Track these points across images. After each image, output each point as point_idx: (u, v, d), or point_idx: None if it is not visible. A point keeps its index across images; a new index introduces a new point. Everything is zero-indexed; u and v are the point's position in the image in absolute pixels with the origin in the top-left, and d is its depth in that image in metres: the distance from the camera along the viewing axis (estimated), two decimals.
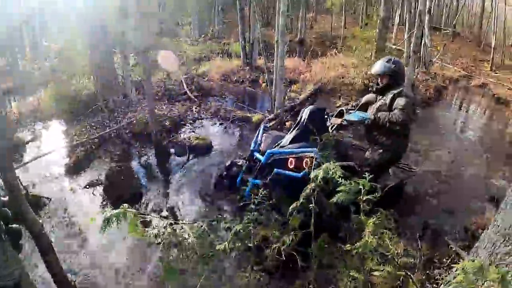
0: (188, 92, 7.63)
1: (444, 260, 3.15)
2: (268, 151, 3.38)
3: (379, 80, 3.49)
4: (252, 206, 2.47)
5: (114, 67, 7.01)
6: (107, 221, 1.92)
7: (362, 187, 2.11)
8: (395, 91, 3.31)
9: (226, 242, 2.16)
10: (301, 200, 2.44)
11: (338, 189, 2.16)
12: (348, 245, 2.14)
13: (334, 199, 2.15)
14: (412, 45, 7.51)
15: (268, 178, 3.25)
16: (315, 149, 3.01)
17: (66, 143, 5.89)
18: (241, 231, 2.24)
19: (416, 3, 11.52)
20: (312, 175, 2.40)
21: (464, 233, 3.66)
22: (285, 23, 6.30)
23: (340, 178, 2.16)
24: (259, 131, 3.96)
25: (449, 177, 4.91)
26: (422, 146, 5.88)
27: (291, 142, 3.43)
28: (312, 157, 3.06)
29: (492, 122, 7.95)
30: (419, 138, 6.17)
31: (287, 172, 3.18)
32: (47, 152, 5.48)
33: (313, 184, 2.34)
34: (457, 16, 18.71)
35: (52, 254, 2.55)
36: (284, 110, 6.69)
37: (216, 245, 2.15)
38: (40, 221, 3.92)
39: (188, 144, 5.47)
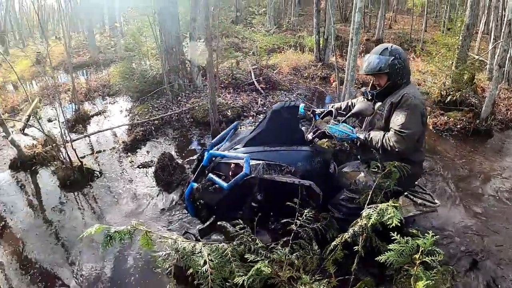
0: (255, 83, 7.35)
1: None
2: (211, 151, 2.84)
3: (374, 81, 2.51)
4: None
5: (182, 51, 6.93)
6: (109, 239, 1.67)
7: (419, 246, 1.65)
8: (393, 98, 2.31)
9: (246, 277, 1.80)
10: (347, 237, 1.98)
11: (389, 246, 1.74)
12: None
13: (381, 259, 1.74)
14: (496, 57, 6.44)
15: (201, 184, 2.74)
16: (247, 155, 2.46)
17: (128, 121, 5.93)
18: (264, 270, 1.82)
19: (504, 11, 9.95)
20: (364, 212, 1.92)
21: None
22: (360, 20, 5.60)
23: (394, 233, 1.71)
24: (229, 129, 3.37)
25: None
26: (472, 173, 4.42)
27: (247, 145, 2.84)
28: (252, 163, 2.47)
29: None
30: (475, 162, 4.79)
31: (216, 179, 2.60)
32: (108, 128, 5.57)
33: (364, 222, 1.89)
34: None
35: None
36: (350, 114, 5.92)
37: (235, 276, 1.80)
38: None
39: None
